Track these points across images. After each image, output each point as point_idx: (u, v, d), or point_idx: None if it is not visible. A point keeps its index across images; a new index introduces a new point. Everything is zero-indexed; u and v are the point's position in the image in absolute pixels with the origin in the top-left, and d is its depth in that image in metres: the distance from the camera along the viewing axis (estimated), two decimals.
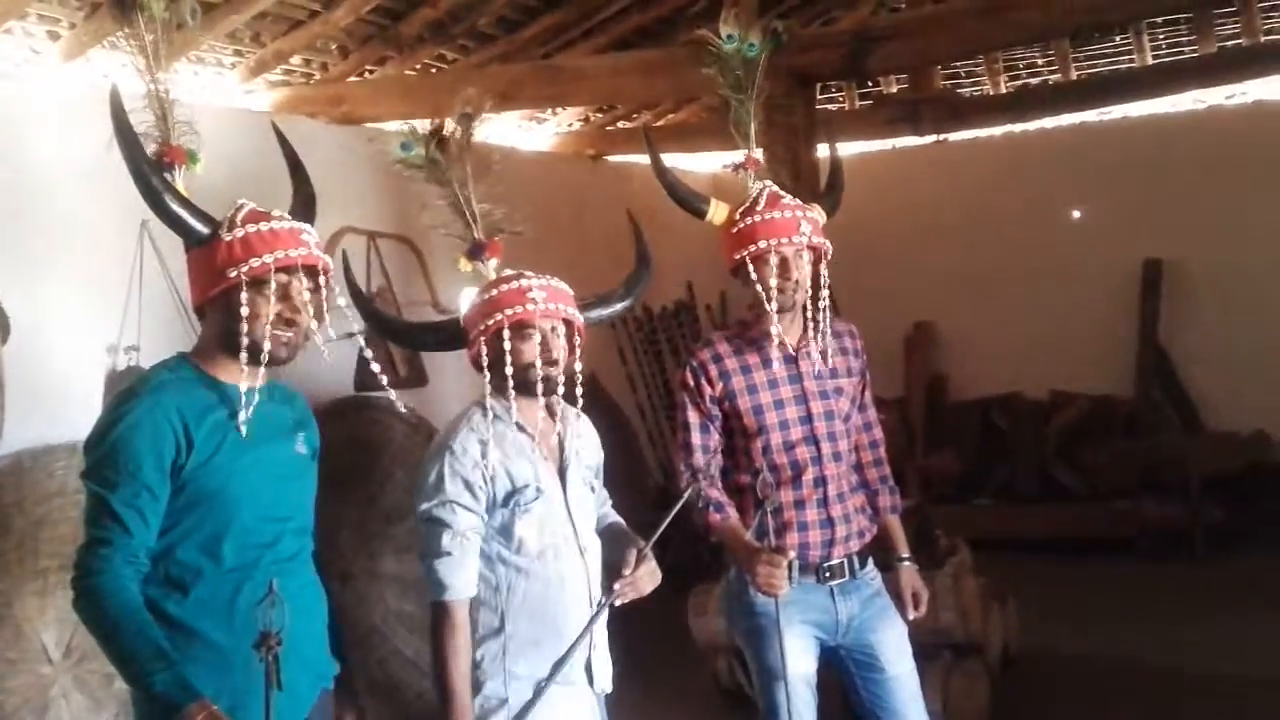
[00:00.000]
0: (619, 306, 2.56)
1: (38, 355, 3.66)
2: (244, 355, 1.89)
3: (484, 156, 2.53)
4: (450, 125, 2.49)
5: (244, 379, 1.93)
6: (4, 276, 3.55)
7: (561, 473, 2.35)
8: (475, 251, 2.43)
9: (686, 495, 2.45)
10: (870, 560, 2.79)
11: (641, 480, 6.57)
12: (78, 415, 3.60)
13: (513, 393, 2.26)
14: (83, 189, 3.75)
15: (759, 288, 2.62)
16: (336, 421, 4.50)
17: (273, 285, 1.90)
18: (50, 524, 3.48)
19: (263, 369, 1.93)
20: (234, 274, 1.89)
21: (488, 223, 2.47)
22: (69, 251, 3.82)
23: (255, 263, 1.89)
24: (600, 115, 6.97)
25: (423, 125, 2.52)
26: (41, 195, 3.75)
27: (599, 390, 6.47)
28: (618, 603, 2.29)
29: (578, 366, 2.35)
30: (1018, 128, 7.33)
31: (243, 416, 1.90)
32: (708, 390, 2.70)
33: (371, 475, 4.69)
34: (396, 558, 4.57)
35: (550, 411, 2.37)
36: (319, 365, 2.18)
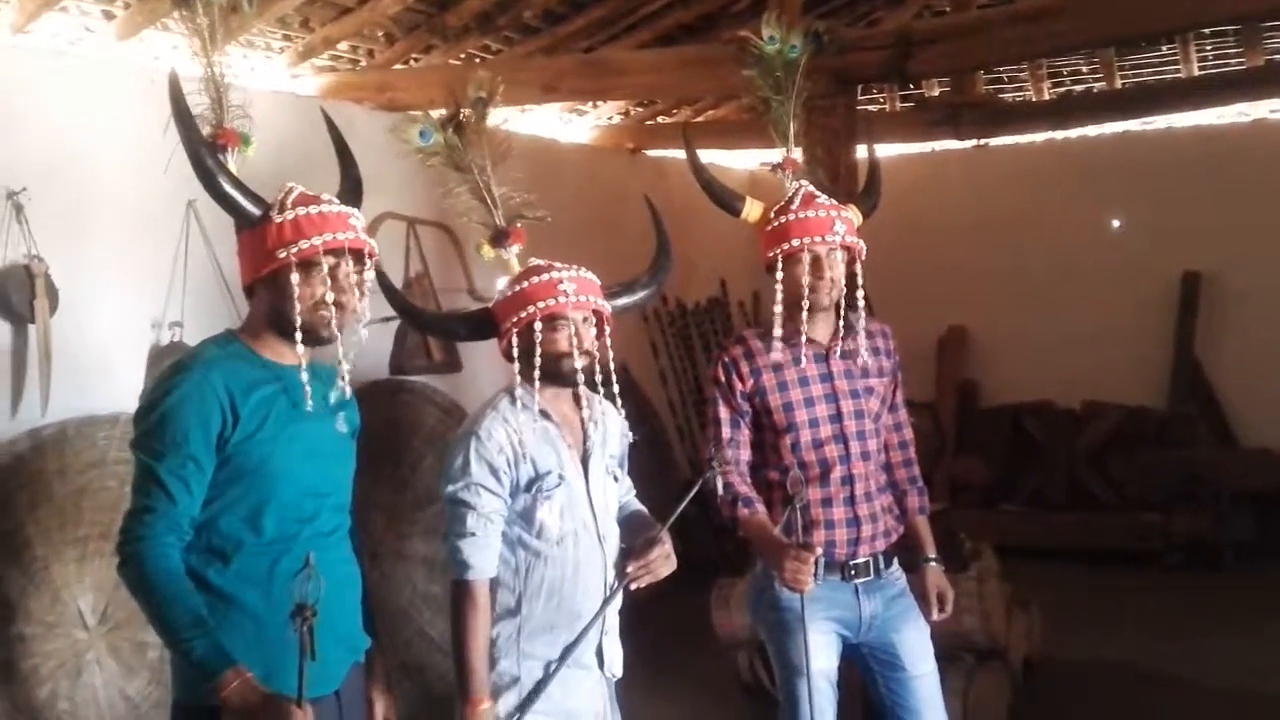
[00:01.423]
0: (643, 295, 2.59)
1: (84, 328, 3.75)
2: (299, 335, 1.94)
3: (501, 140, 2.57)
4: (466, 111, 2.52)
5: (294, 357, 1.98)
6: (53, 250, 3.62)
7: (585, 460, 2.39)
8: (499, 238, 2.47)
9: (704, 479, 2.48)
10: (895, 560, 2.81)
11: (670, 474, 6.59)
12: (121, 388, 3.71)
13: (539, 381, 2.30)
14: (132, 167, 3.82)
15: (790, 286, 2.64)
16: (371, 403, 4.56)
17: (322, 267, 1.94)
18: (91, 493, 3.56)
19: (306, 348, 1.97)
20: (284, 255, 1.93)
21: (508, 208, 2.50)
22: (117, 228, 3.89)
23: (305, 245, 1.93)
24: (640, 110, 7.00)
25: (439, 113, 2.56)
26: (91, 172, 3.82)
27: (630, 383, 6.51)
28: (633, 586, 2.34)
29: (609, 355, 2.38)
30: (1059, 135, 7.29)
31: (307, 393, 1.95)
32: (738, 386, 2.73)
33: (403, 458, 4.76)
34: (425, 540, 4.63)
35: (576, 400, 2.41)
36: (357, 347, 2.22)
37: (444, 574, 4.48)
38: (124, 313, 3.91)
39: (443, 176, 2.56)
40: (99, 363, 3.78)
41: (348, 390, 2.07)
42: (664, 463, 6.64)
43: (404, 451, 4.76)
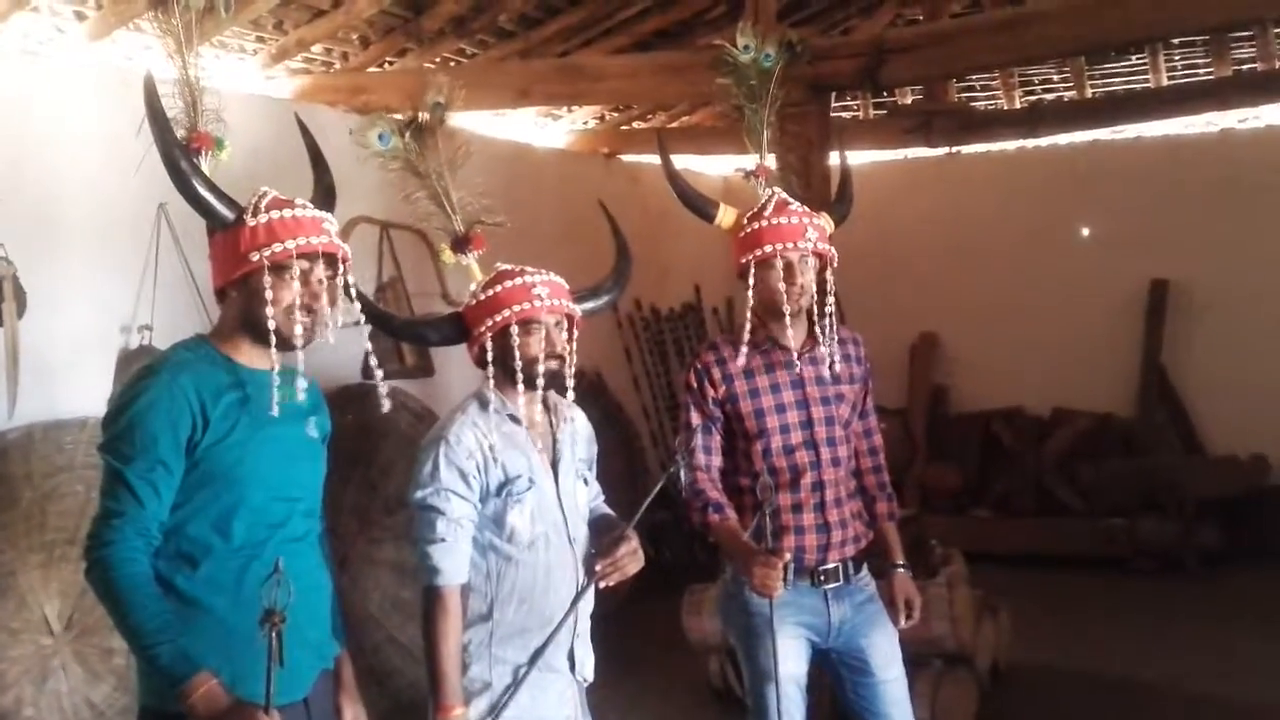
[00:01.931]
0: (606, 299, 2.61)
1: (52, 331, 3.71)
2: (272, 339, 1.93)
3: (460, 145, 2.57)
4: (425, 115, 2.53)
5: (267, 362, 1.97)
6: (22, 252, 3.59)
7: (554, 464, 2.40)
8: (458, 244, 2.48)
9: (669, 473, 2.50)
10: (865, 566, 2.82)
11: (642, 480, 6.60)
12: (89, 392, 3.68)
13: (520, 386, 2.30)
14: (103, 169, 3.79)
15: (762, 292, 2.65)
16: (342, 408, 4.55)
17: (295, 271, 1.94)
18: (58, 497, 3.53)
19: (277, 353, 1.96)
20: (256, 258, 1.93)
21: (467, 214, 2.51)
22: (87, 230, 3.86)
23: (278, 248, 1.93)
24: (615, 115, 7.02)
25: (398, 117, 2.56)
26: (61, 174, 3.79)
27: (602, 389, 6.51)
28: (602, 585, 2.34)
29: (572, 359, 2.39)
30: (1030, 143, 7.36)
31: (274, 398, 1.95)
32: (710, 392, 2.74)
33: (374, 463, 4.74)
34: (395, 545, 4.62)
35: (545, 404, 2.42)
36: (327, 352, 2.22)
37: (414, 580, 4.48)
38: (93, 316, 3.88)
39: (404, 181, 2.57)
40: (67, 366, 3.75)
41: (301, 393, 2.04)
42: (636, 468, 6.65)
43: (375, 456, 4.75)
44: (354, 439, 4.58)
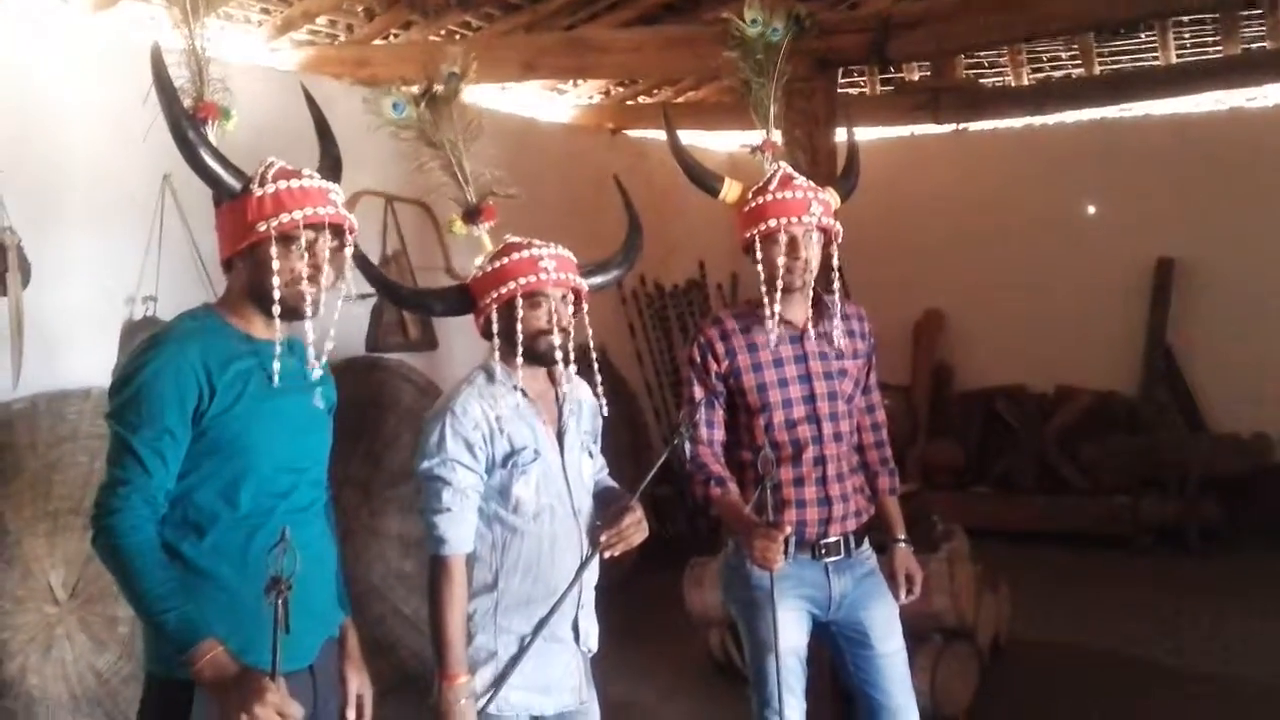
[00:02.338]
0: (616, 273, 2.61)
1: (56, 302, 3.72)
2: (276, 309, 1.93)
3: (474, 118, 2.57)
4: (439, 87, 2.52)
5: (271, 332, 1.98)
6: (27, 223, 3.60)
7: (560, 436, 2.41)
8: (470, 215, 2.48)
9: (673, 445, 2.51)
10: (866, 540, 2.83)
11: (646, 455, 6.61)
12: (93, 362, 3.69)
13: (520, 359, 2.31)
14: (107, 140, 3.79)
15: (766, 267, 2.65)
16: (347, 381, 4.56)
17: (301, 242, 1.94)
18: (62, 467, 3.55)
19: (281, 323, 1.97)
20: (264, 228, 1.93)
21: (480, 185, 2.51)
22: (91, 201, 3.87)
23: (285, 218, 1.93)
24: (621, 89, 6.99)
25: (413, 88, 2.56)
26: (66, 145, 3.79)
27: (607, 364, 6.52)
28: (606, 555, 2.36)
29: (589, 333, 2.40)
30: (1037, 121, 7.33)
31: (275, 368, 1.95)
32: (713, 367, 2.74)
33: (379, 435, 4.75)
34: (399, 517, 4.64)
35: (551, 377, 2.42)
36: (332, 324, 2.23)
37: (417, 552, 4.51)
38: (97, 287, 3.89)
39: (416, 152, 2.56)
40: (71, 337, 3.76)
41: (317, 369, 2.06)
42: (640, 443, 6.66)
43: (379, 429, 4.76)
44: (357, 411, 4.59)
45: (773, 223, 2.61)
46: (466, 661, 2.26)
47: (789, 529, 2.59)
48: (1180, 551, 6.20)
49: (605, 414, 2.53)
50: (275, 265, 1.92)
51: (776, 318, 2.68)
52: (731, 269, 7.53)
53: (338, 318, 2.07)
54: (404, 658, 4.48)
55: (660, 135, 6.89)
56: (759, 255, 2.66)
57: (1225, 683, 4.41)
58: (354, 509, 4.57)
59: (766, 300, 2.66)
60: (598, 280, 2.53)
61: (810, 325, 2.74)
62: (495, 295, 2.32)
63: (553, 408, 2.43)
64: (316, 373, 2.08)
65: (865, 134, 7.04)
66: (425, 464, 2.29)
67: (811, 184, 2.71)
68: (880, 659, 2.74)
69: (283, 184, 1.95)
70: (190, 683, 1.79)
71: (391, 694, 3.95)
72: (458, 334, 5.25)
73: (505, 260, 2.33)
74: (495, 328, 2.33)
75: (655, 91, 7.16)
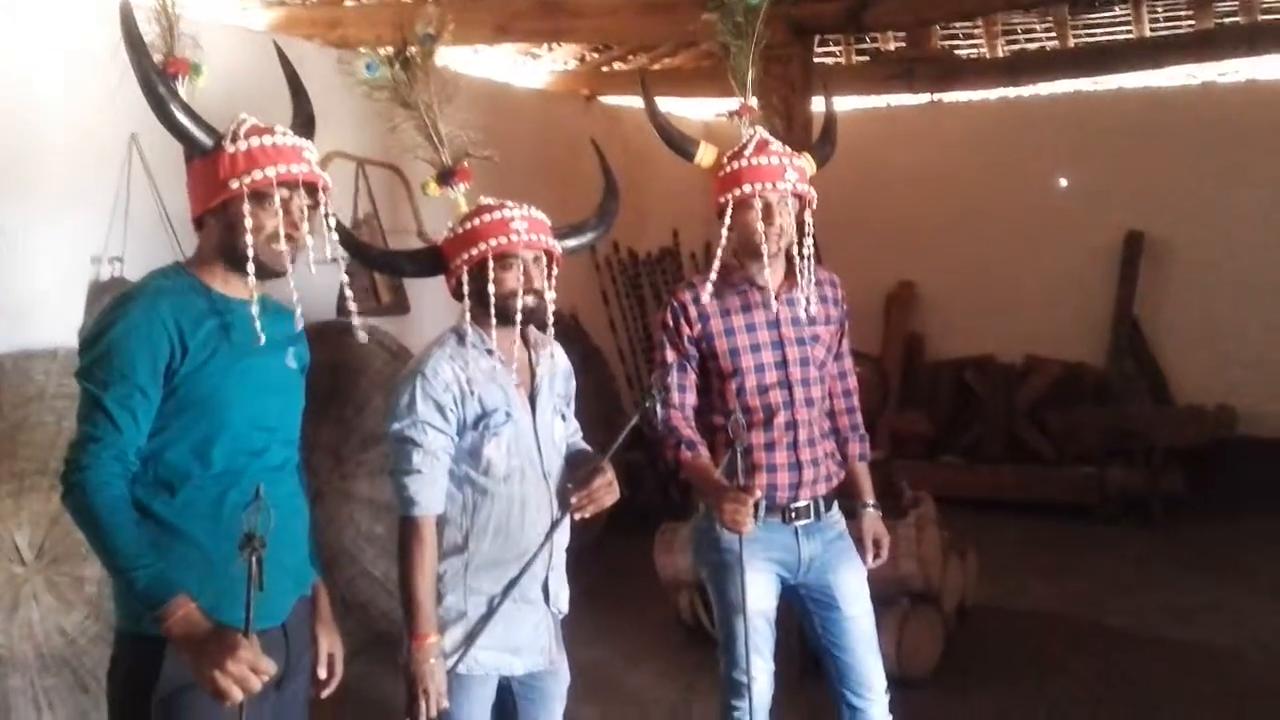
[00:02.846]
0: (591, 236, 2.60)
1: (22, 261, 3.67)
2: (250, 267, 1.92)
3: (449, 80, 2.55)
4: (414, 48, 2.50)
5: (243, 290, 1.96)
6: None
7: (532, 399, 2.41)
8: (445, 177, 2.47)
9: (645, 406, 2.53)
10: (835, 504, 2.86)
11: (618, 422, 6.63)
12: (59, 323, 3.65)
13: (493, 320, 2.31)
14: (73, 98, 3.73)
15: (740, 232, 2.65)
16: (317, 345, 4.51)
17: (275, 199, 1.92)
18: (28, 428, 3.51)
19: (256, 281, 1.95)
20: (236, 185, 1.91)
21: (455, 147, 2.49)
22: (57, 160, 3.81)
23: (258, 175, 1.91)
24: (596, 55, 6.94)
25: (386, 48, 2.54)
26: (31, 102, 3.73)
27: (579, 331, 6.52)
28: (577, 516, 2.37)
29: (552, 295, 2.39)
30: (1012, 92, 7.35)
31: (257, 327, 1.93)
32: (686, 330, 2.75)
33: (349, 399, 4.74)
34: (370, 481, 4.64)
35: (524, 339, 2.42)
36: (301, 288, 2.21)
37: (387, 515, 4.51)
38: (63, 246, 3.84)
39: (390, 113, 2.54)
40: (37, 296, 3.72)
41: (300, 322, 2.04)
42: (612, 410, 6.67)
43: (350, 393, 4.74)
44: (328, 376, 4.57)
45: (747, 188, 2.61)
46: (436, 621, 2.27)
47: (759, 493, 2.62)
48: (1145, 521, 6.29)
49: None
50: (248, 223, 1.90)
51: (751, 283, 2.69)
52: (706, 237, 7.51)
53: (311, 281, 2.05)
54: (374, 618, 4.49)
55: (635, 102, 6.87)
56: (733, 220, 2.66)
57: (1185, 648, 4.49)
58: (325, 473, 4.56)
59: (741, 266, 2.66)
60: (572, 243, 2.52)
61: (783, 291, 2.75)
62: (467, 256, 2.31)
63: (525, 370, 2.43)
64: (300, 324, 2.06)
65: (840, 104, 6.95)
66: (396, 425, 2.29)
67: (787, 149, 2.71)
68: (848, 621, 2.78)
69: (255, 141, 1.93)
70: (161, 639, 1.79)
71: (361, 653, 3.98)
72: (429, 299, 5.23)
73: (477, 221, 2.32)
74: (467, 289, 2.32)
75: (631, 58, 7.12)
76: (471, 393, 2.31)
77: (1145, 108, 7.10)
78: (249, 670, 1.68)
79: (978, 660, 4.39)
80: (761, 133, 2.74)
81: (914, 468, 6.24)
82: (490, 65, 6.35)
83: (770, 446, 2.73)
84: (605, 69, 7.05)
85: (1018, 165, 7.31)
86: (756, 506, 2.59)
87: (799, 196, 2.69)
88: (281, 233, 1.93)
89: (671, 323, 2.77)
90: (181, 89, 2.05)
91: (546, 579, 2.42)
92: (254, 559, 1.66)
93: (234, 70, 3.36)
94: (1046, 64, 7.03)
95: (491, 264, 2.30)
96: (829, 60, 7.50)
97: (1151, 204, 7.00)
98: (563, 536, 2.44)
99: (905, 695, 3.06)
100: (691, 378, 2.78)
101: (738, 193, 2.63)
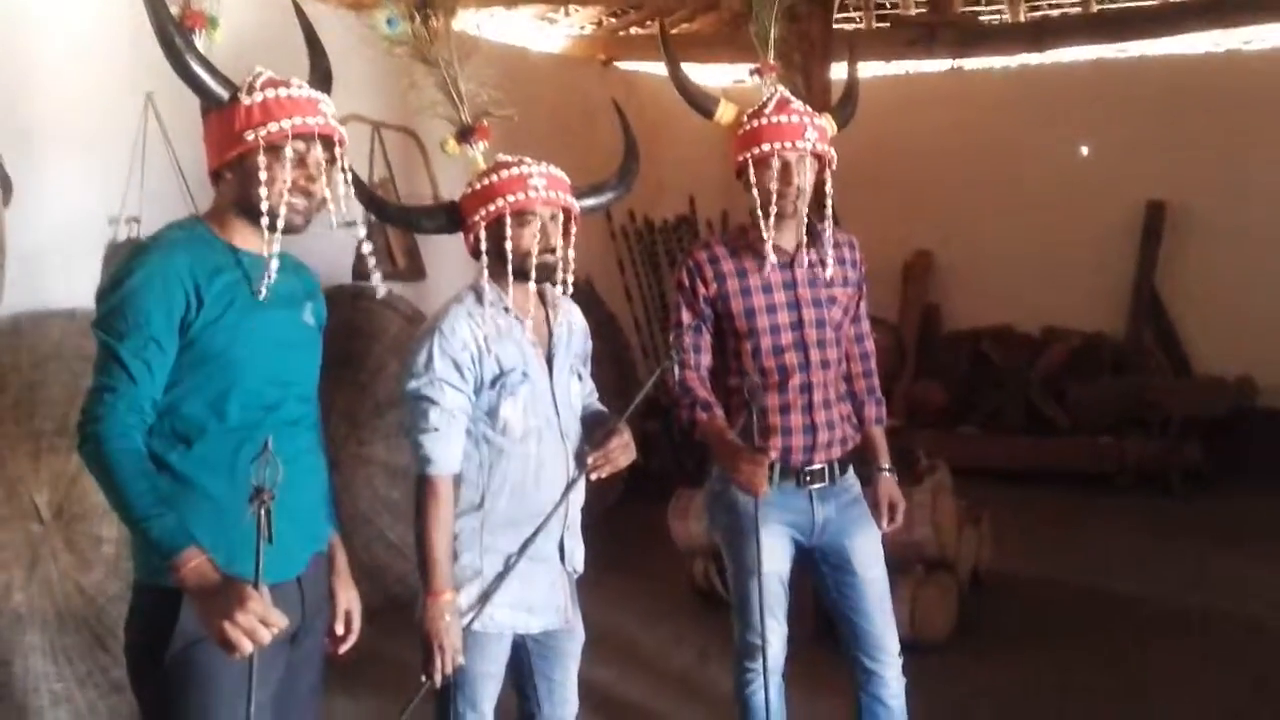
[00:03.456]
0: (610, 195, 2.57)
1: (39, 220, 3.68)
2: (264, 220, 1.90)
3: (468, 40, 2.52)
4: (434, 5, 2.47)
5: (259, 245, 1.94)
6: (8, 141, 3.54)
7: (549, 359, 2.40)
8: (464, 135, 2.44)
9: (664, 368, 2.52)
10: (850, 468, 2.84)
11: (633, 390, 6.63)
12: (77, 282, 3.65)
13: (511, 278, 2.29)
14: (89, 58, 3.73)
15: (759, 191, 2.62)
16: (332, 309, 4.51)
17: (290, 152, 1.91)
18: (45, 386, 3.53)
19: (275, 236, 1.93)
20: (252, 138, 1.89)
21: (475, 105, 2.46)
22: (73, 119, 3.80)
23: (274, 127, 1.89)
24: (614, 20, 6.88)
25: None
26: (48, 61, 3.72)
27: (594, 298, 6.51)
28: (593, 476, 2.36)
29: (571, 254, 2.37)
30: (1033, 60, 7.26)
31: (267, 281, 1.92)
32: (701, 290, 2.72)
33: (365, 364, 4.75)
34: (386, 446, 4.65)
35: (541, 298, 2.40)
36: (317, 251, 2.20)
37: (404, 480, 4.52)
38: (80, 206, 3.84)
39: (409, 69, 2.52)
40: (55, 255, 3.73)
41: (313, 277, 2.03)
42: (627, 378, 6.67)
43: (365, 358, 4.75)
44: (343, 340, 4.58)
45: (766, 147, 2.58)
46: (452, 578, 2.27)
47: (774, 454, 2.60)
48: (1162, 492, 6.26)
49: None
50: (263, 176, 1.89)
51: (769, 243, 2.66)
52: (722, 206, 7.48)
53: (328, 244, 2.04)
54: (389, 583, 4.51)
55: (652, 68, 6.82)
56: (752, 179, 2.63)
57: (1203, 618, 4.48)
58: (342, 438, 4.57)
59: (758, 225, 2.64)
60: (590, 202, 2.50)
61: (801, 252, 2.73)
62: (484, 213, 2.29)
63: (543, 329, 2.41)
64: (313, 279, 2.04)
65: (860, 70, 6.94)
66: (413, 384, 2.28)
67: (808, 109, 2.67)
68: (862, 585, 2.77)
69: (271, 93, 1.91)
70: (177, 592, 1.79)
71: (377, 617, 3.99)
72: (445, 263, 5.23)
73: (495, 177, 2.30)
74: (484, 246, 2.30)
75: (649, 23, 7.06)
76: (489, 351, 2.29)
77: (1168, 75, 7.00)
78: (258, 622, 1.68)
79: (992, 627, 4.39)
80: (782, 91, 2.71)
81: (931, 437, 6.21)
82: (507, 29, 6.30)
83: (785, 409, 2.71)
84: (622, 33, 7.00)
85: (1039, 133, 7.22)
86: (771, 468, 2.58)
87: (819, 157, 2.65)
88: (296, 185, 1.91)
89: (687, 282, 2.75)
90: (198, 42, 2.04)
91: (562, 538, 2.42)
92: (262, 511, 1.66)
93: (250, 31, 3.33)
94: (1070, 29, 6.93)
95: (509, 220, 2.28)
96: (849, 26, 7.42)
97: (1174, 173, 6.91)
98: (579, 496, 2.44)
99: (919, 660, 3.06)
100: (706, 338, 2.76)
101: (756, 151, 2.60)
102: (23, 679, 3.40)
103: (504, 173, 2.30)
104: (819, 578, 2.84)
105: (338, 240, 2.13)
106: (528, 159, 2.34)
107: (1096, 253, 7.14)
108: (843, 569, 2.77)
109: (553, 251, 2.32)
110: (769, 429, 2.67)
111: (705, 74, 7.39)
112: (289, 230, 1.95)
